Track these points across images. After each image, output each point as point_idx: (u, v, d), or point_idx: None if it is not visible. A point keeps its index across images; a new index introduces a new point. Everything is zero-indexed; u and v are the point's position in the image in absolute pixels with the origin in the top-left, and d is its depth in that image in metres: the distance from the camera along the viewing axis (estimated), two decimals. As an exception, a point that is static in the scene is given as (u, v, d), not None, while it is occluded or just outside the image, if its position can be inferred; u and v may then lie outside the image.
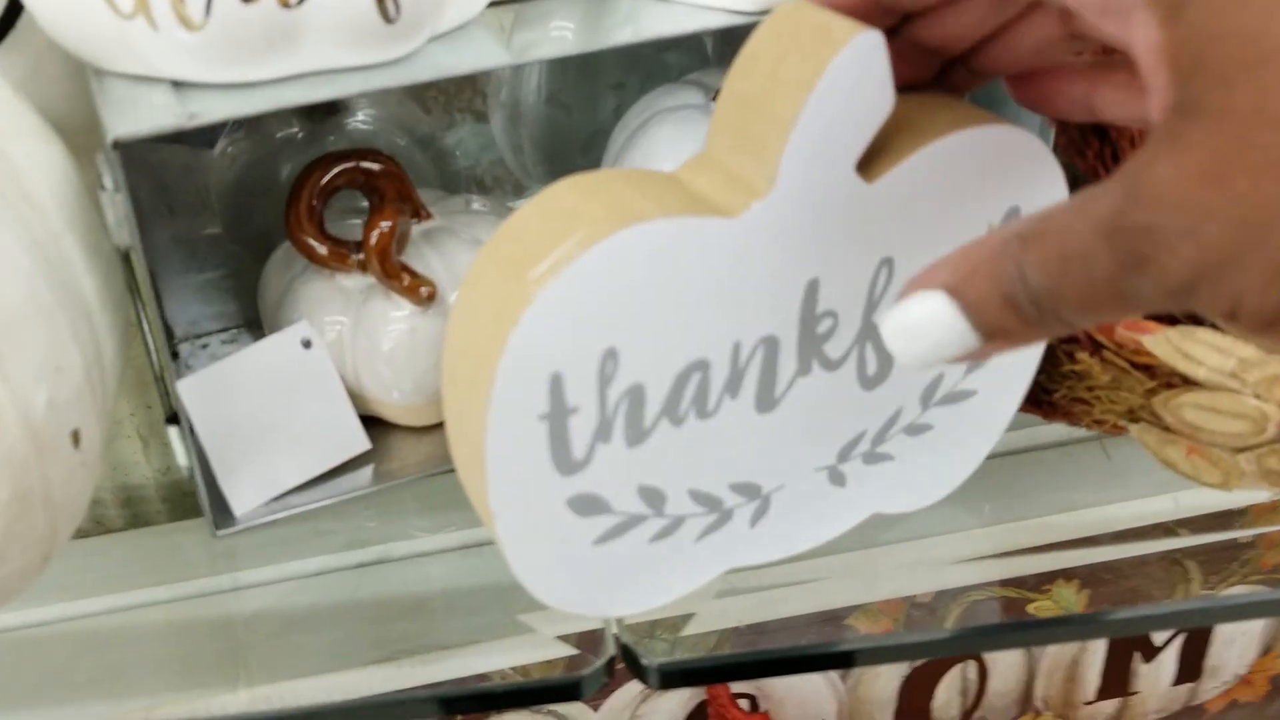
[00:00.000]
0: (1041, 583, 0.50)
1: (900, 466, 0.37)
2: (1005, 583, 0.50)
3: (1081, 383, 0.40)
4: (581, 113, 0.55)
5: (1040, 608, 0.50)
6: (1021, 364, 0.37)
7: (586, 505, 0.31)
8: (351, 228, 0.43)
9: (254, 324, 0.49)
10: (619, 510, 0.32)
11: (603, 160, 0.50)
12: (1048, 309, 0.24)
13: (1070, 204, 0.23)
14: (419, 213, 0.43)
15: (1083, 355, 0.39)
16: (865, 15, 0.28)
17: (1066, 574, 0.50)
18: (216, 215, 0.51)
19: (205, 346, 0.48)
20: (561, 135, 0.55)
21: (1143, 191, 0.22)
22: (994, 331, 0.24)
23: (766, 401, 0.33)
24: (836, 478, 0.36)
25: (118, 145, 0.31)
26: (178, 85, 0.34)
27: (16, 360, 0.29)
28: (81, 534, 0.35)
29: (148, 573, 0.47)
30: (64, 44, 0.35)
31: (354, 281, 0.41)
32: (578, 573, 0.32)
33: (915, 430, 0.36)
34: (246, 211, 0.51)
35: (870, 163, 0.30)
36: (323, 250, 0.41)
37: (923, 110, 0.31)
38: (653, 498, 0.32)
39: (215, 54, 0.32)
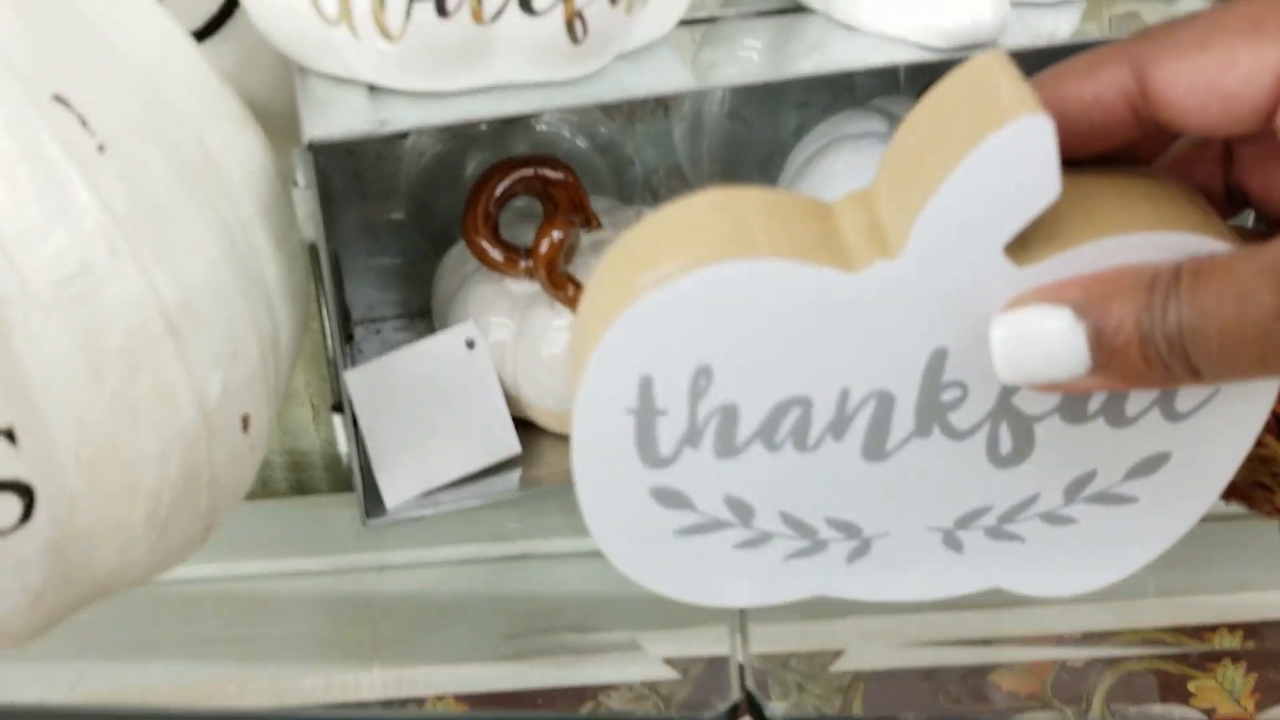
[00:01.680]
0: (1206, 660, 0.48)
1: (1032, 550, 0.35)
2: (1167, 657, 0.48)
3: (1265, 467, 0.37)
4: (763, 128, 0.55)
5: (1201, 686, 0.47)
6: (1201, 485, 0.34)
7: (670, 499, 0.31)
8: (525, 231, 0.44)
9: (427, 313, 0.50)
10: (703, 511, 0.32)
11: (779, 179, 0.50)
12: (1179, 351, 0.22)
13: (1238, 250, 0.22)
14: (590, 222, 0.43)
15: (1268, 439, 0.36)
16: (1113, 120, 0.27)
17: (1234, 655, 0.47)
18: (402, 203, 0.53)
19: (379, 332, 0.50)
20: (741, 149, 0.55)
21: None
22: (1110, 362, 0.23)
23: (876, 452, 0.32)
24: (952, 542, 0.34)
25: (312, 147, 0.32)
26: (373, 89, 0.35)
27: (196, 343, 0.30)
28: (248, 495, 0.37)
29: (302, 542, 0.49)
30: (273, 41, 0.36)
31: (521, 287, 0.42)
32: (658, 556, 0.32)
33: (1054, 520, 0.34)
34: (430, 202, 0.52)
35: (1028, 242, 0.28)
36: (494, 255, 0.41)
37: (1103, 195, 0.29)
38: (740, 509, 0.32)
39: (411, 63, 0.33)
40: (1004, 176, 0.26)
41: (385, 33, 0.32)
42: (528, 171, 0.42)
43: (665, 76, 0.36)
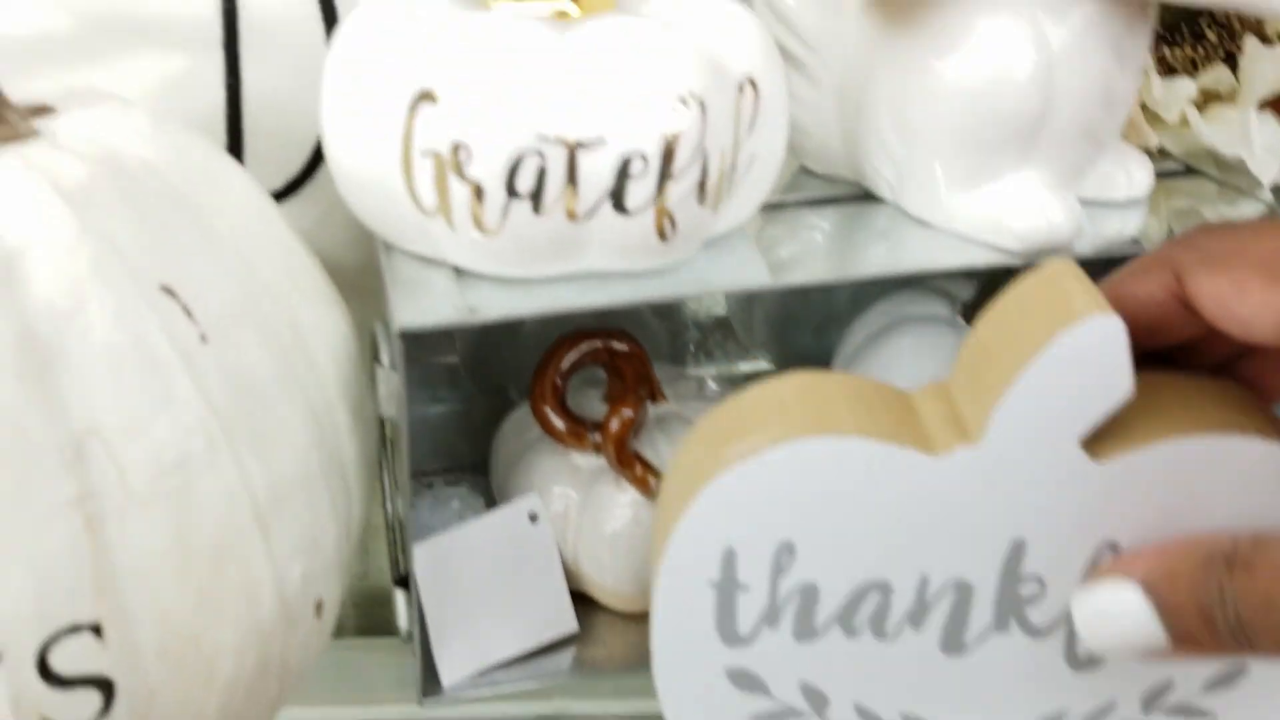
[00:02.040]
0: None
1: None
2: None
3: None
4: (818, 295, 0.55)
5: None
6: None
7: (745, 681, 0.31)
8: (586, 397, 0.44)
9: (479, 467, 0.50)
10: (778, 697, 0.32)
11: (836, 352, 0.50)
12: (1244, 638, 0.23)
13: None
14: (654, 395, 0.43)
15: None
16: (1168, 317, 0.28)
17: None
18: (456, 350, 0.53)
19: (430, 486, 0.50)
20: (795, 316, 0.55)
21: None
22: (1186, 639, 0.24)
23: (954, 644, 0.32)
24: (1031, 746, 0.34)
25: (404, 335, 0.33)
26: (458, 270, 0.36)
27: (281, 535, 0.30)
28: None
29: (338, 688, 0.48)
30: (362, 219, 0.37)
31: (586, 460, 0.42)
32: None
33: (1132, 732, 0.34)
34: (487, 354, 0.52)
35: (1104, 439, 0.29)
36: (561, 427, 0.42)
37: (1173, 397, 0.30)
38: (815, 698, 0.32)
39: (502, 254, 0.33)
40: (1078, 373, 0.27)
41: (481, 227, 0.32)
42: (596, 344, 0.42)
43: (744, 272, 0.36)
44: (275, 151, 0.45)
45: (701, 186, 0.33)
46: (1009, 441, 0.28)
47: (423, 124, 0.32)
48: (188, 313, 0.29)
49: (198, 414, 0.28)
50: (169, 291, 0.29)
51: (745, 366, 0.61)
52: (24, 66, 0.42)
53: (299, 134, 0.45)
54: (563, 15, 0.35)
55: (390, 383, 0.34)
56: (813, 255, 0.39)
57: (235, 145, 0.44)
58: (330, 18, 0.43)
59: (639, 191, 0.32)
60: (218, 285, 0.30)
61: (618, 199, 0.32)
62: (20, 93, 0.32)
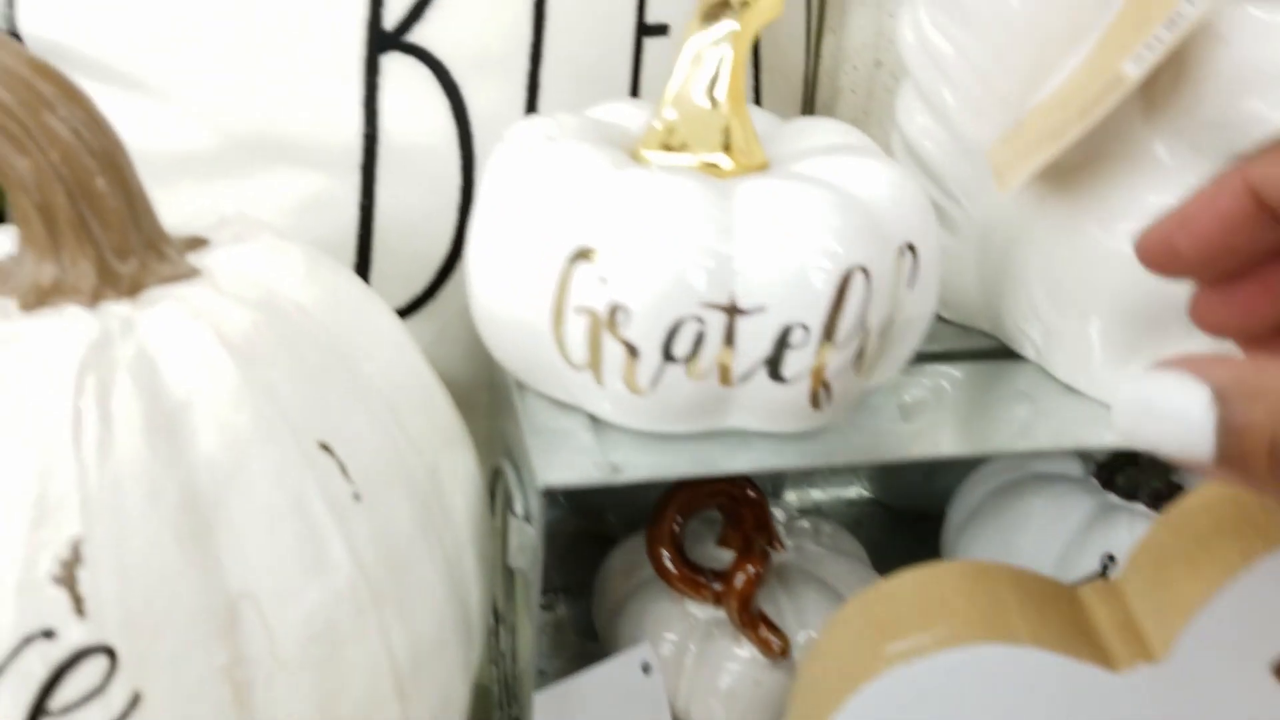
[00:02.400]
0: None
1: None
2: None
3: None
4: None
5: None
6: None
7: None
8: (699, 535, 0.43)
9: (571, 590, 0.49)
10: None
11: (953, 503, 0.49)
12: None
13: None
14: (773, 542, 0.42)
15: None
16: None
17: None
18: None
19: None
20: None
21: None
22: (1234, 461, 0.21)
23: None
24: None
25: (548, 492, 0.32)
26: (594, 419, 0.35)
27: (418, 702, 0.29)
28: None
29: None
30: (498, 357, 0.36)
31: (702, 610, 0.41)
32: None
33: None
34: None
35: None
36: (677, 573, 0.41)
37: None
38: None
39: (648, 412, 0.33)
40: (1273, 600, 0.26)
41: (633, 387, 0.32)
42: (719, 490, 0.41)
43: (886, 440, 0.35)
44: (401, 270, 0.45)
45: (860, 355, 0.32)
46: (1196, 663, 0.27)
47: (579, 281, 0.31)
48: (343, 470, 0.29)
49: (348, 578, 0.28)
50: (326, 448, 0.28)
51: (848, 493, 0.60)
52: (164, 180, 0.42)
53: (426, 254, 0.45)
54: (714, 168, 0.34)
55: (524, 535, 0.34)
56: (946, 408, 0.38)
57: (364, 264, 0.44)
58: (466, 143, 0.43)
59: (797, 361, 0.31)
60: (370, 439, 0.30)
61: (774, 367, 0.31)
62: (161, 206, 0.31)
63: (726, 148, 0.34)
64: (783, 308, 0.31)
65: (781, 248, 0.31)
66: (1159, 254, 0.27)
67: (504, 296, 0.34)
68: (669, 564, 0.41)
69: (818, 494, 0.59)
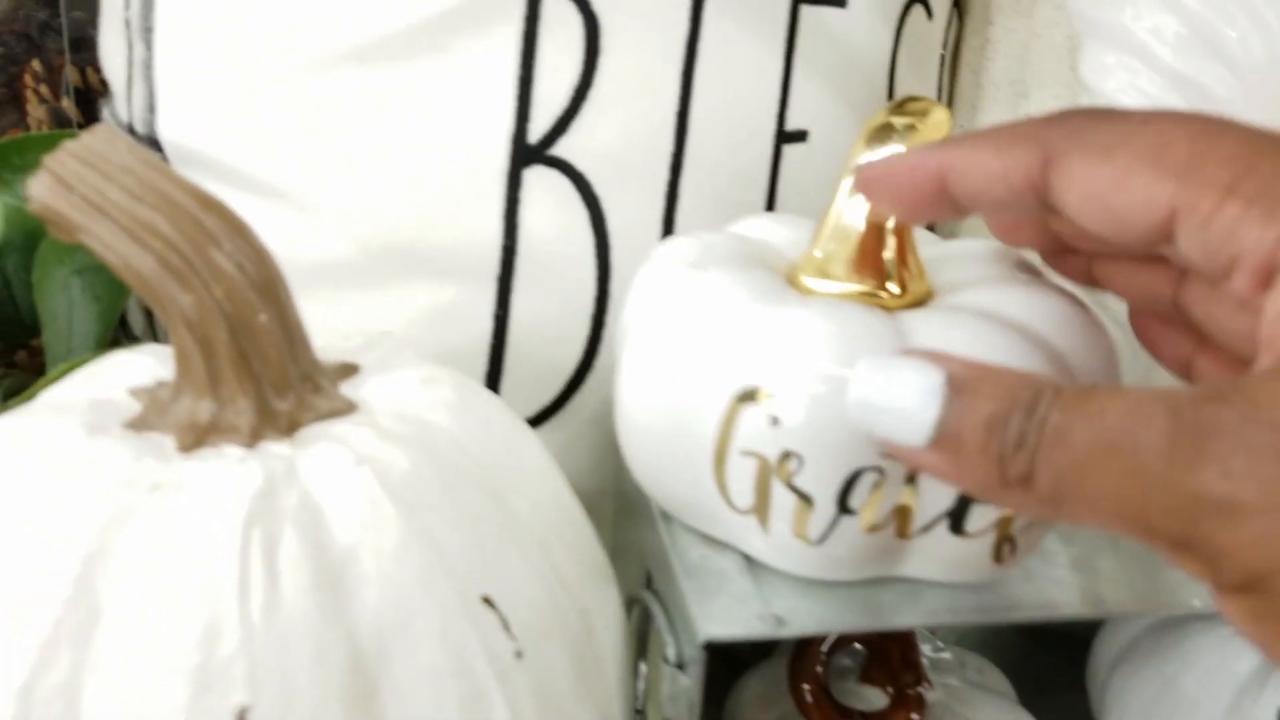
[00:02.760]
0: None
1: None
2: None
3: None
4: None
5: None
6: None
7: None
8: (837, 673, 0.41)
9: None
10: None
11: (1099, 643, 0.46)
12: (1026, 457, 0.21)
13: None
14: (920, 680, 0.40)
15: None
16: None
17: None
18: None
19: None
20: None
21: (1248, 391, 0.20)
22: (948, 444, 0.22)
23: None
24: None
25: (709, 646, 0.30)
26: (748, 557, 0.33)
27: None
28: None
29: None
30: (650, 492, 0.35)
31: (847, 751, 0.39)
32: None
33: None
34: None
35: None
36: (822, 714, 0.39)
37: None
38: None
39: (815, 562, 0.31)
40: None
41: (803, 538, 0.30)
42: (865, 624, 0.39)
43: (1056, 591, 0.33)
44: (533, 380, 0.44)
45: None
46: None
47: (746, 423, 0.30)
48: (505, 625, 0.27)
49: (510, 743, 0.26)
50: (488, 602, 0.27)
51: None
52: (299, 288, 0.42)
53: (558, 363, 0.44)
54: (877, 299, 0.32)
55: (678, 684, 0.32)
56: (1119, 554, 0.36)
57: (495, 374, 0.44)
58: (603, 253, 0.42)
59: (982, 515, 0.29)
60: (527, 587, 0.28)
61: (957, 520, 0.29)
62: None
63: (891, 277, 0.33)
64: (967, 459, 0.29)
65: None
66: (860, 188, 0.30)
67: (659, 432, 0.32)
68: (815, 703, 0.39)
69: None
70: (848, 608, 0.32)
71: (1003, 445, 0.21)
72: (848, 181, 0.33)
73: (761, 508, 0.30)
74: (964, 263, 0.35)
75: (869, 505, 0.29)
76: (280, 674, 0.24)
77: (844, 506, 0.29)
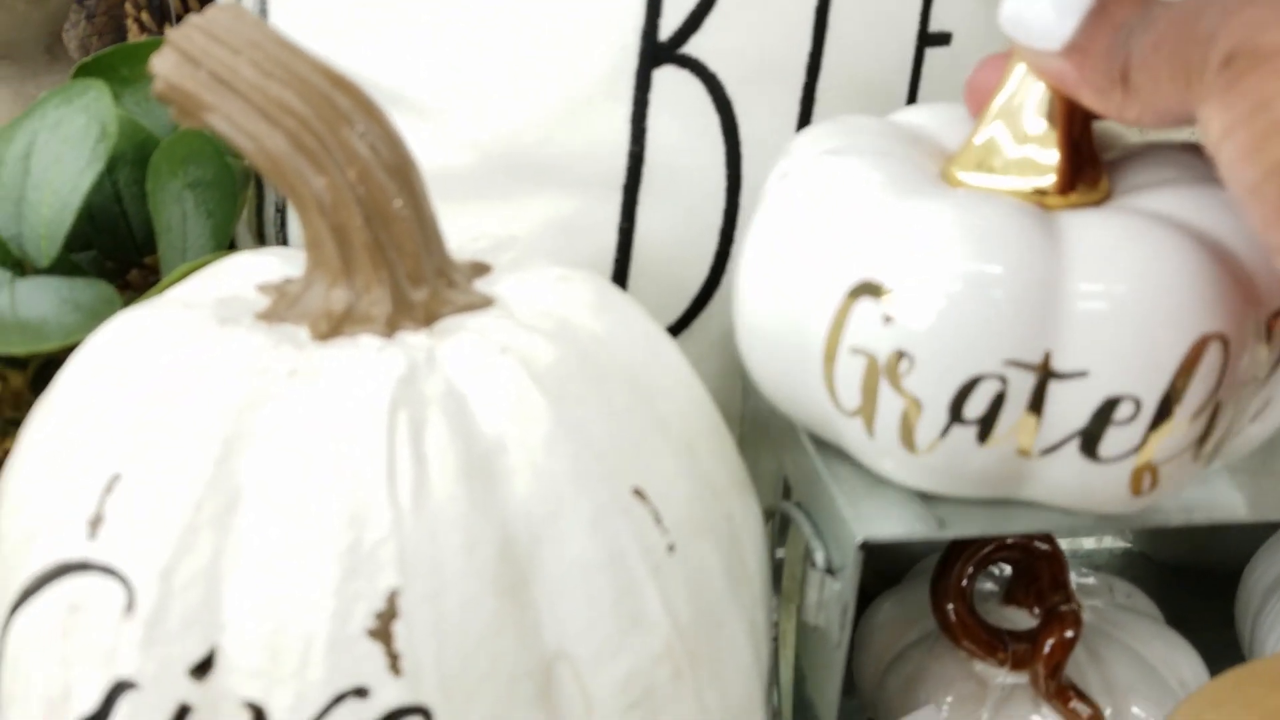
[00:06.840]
0: None
1: None
2: None
3: None
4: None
5: None
6: None
7: None
8: (979, 595, 0.39)
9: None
10: None
11: (1251, 573, 0.43)
12: (1124, 39, 0.25)
13: None
14: (1069, 600, 0.38)
15: None
16: None
17: None
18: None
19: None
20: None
21: None
22: (1078, 48, 0.26)
23: None
24: None
25: (865, 546, 0.29)
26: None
27: (731, 779, 0.26)
28: None
29: None
30: (769, 396, 0.33)
31: (994, 674, 0.37)
32: None
33: None
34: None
35: None
36: (969, 633, 0.37)
37: None
38: None
39: (923, 473, 0.29)
40: None
41: (909, 445, 0.28)
42: (1013, 541, 0.37)
43: (1225, 496, 0.31)
44: (658, 297, 0.42)
45: (1201, 441, 0.27)
46: None
47: (858, 319, 0.28)
48: (657, 519, 0.26)
49: (665, 638, 0.25)
50: (640, 495, 0.26)
51: (1105, 543, 0.55)
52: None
53: (684, 280, 0.42)
54: (1041, 196, 0.30)
55: (828, 590, 0.30)
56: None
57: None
58: (735, 163, 0.40)
59: (1120, 439, 0.27)
60: (678, 484, 0.27)
61: (1089, 443, 0.27)
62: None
63: (1060, 173, 0.30)
64: (1110, 376, 0.26)
65: (1119, 303, 0.26)
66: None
67: (773, 329, 0.30)
68: (959, 623, 0.37)
69: (1090, 543, 0.54)
70: (1004, 517, 0.30)
71: (1122, 46, 0.25)
72: (1020, 69, 0.30)
73: (867, 411, 0.28)
74: (1155, 163, 0.31)
75: (988, 417, 0.27)
76: (430, 559, 0.23)
77: (957, 414, 0.27)
